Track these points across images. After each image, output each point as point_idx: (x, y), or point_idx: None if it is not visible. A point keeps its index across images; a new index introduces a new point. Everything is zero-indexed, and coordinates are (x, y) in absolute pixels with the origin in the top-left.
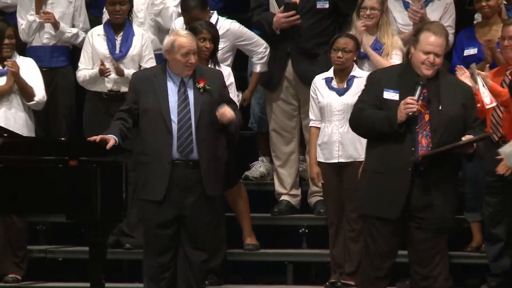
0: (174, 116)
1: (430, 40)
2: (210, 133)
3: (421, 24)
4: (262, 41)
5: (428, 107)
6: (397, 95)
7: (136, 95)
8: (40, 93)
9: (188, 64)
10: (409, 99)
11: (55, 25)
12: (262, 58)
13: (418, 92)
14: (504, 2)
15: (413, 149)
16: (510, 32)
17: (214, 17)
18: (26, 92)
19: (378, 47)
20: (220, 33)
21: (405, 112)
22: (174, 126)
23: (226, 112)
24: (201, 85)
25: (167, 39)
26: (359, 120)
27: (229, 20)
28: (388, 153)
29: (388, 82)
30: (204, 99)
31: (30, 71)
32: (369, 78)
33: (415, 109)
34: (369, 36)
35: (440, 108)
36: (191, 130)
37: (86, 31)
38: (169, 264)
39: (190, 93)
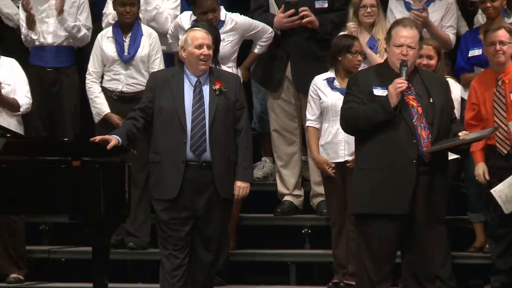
0: (188, 116)
1: (401, 33)
2: (224, 135)
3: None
4: (268, 27)
5: (419, 100)
6: (386, 91)
7: (152, 94)
8: (24, 100)
9: (203, 57)
10: (398, 79)
11: (60, 11)
12: (266, 41)
13: (404, 73)
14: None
15: (414, 141)
16: (500, 37)
17: (223, 12)
18: (10, 107)
19: (373, 44)
20: (229, 27)
21: (396, 92)
22: (188, 126)
23: (241, 192)
24: (217, 86)
25: (181, 37)
26: (350, 116)
27: (234, 14)
28: (389, 149)
29: (369, 81)
30: (219, 101)
31: (14, 74)
32: (355, 79)
33: (405, 86)
34: (365, 34)
35: (431, 100)
36: (205, 130)
37: (88, 29)
38: (183, 262)
39: (206, 94)
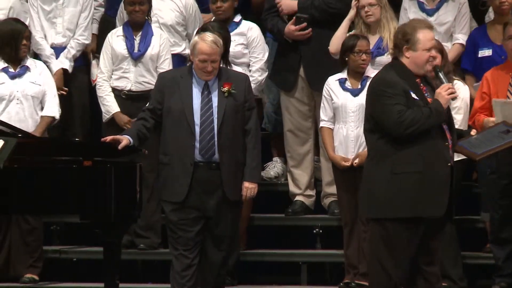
0: (197, 119)
1: (429, 35)
2: (232, 137)
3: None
4: (265, 69)
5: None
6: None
7: (161, 95)
8: (56, 109)
9: (205, 71)
10: (445, 86)
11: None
12: (255, 81)
13: (444, 78)
14: None
15: (447, 143)
16: None
17: (238, 16)
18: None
19: (381, 45)
20: (242, 30)
21: (449, 98)
22: (197, 129)
23: (248, 193)
24: (225, 88)
25: (193, 39)
26: (409, 121)
27: (255, 24)
28: (425, 151)
29: (401, 84)
30: (228, 103)
31: (44, 77)
32: (387, 82)
33: (455, 90)
34: (371, 34)
35: None
36: (213, 134)
37: (85, 29)
38: (193, 262)
39: (214, 97)
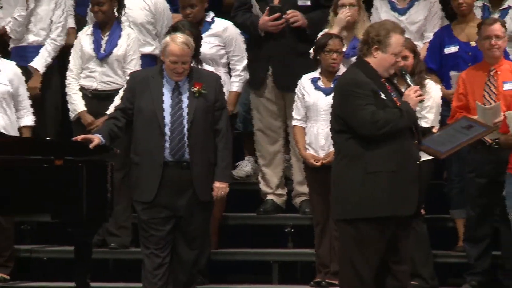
0: (167, 119)
1: (401, 41)
2: (203, 137)
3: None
4: (245, 62)
5: (400, 101)
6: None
7: (132, 95)
8: (31, 114)
9: (175, 71)
10: (413, 88)
11: None
12: (239, 77)
13: (411, 80)
14: (486, 3)
15: (415, 141)
16: (495, 31)
17: (210, 15)
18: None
19: (357, 45)
20: (215, 31)
21: (417, 100)
22: (167, 129)
23: (219, 193)
24: (196, 89)
25: (164, 40)
26: (379, 123)
27: (230, 22)
28: (397, 150)
29: (369, 84)
30: (198, 104)
31: (16, 79)
32: (356, 82)
33: (422, 92)
34: (345, 33)
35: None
36: (184, 134)
37: (62, 29)
38: (164, 261)
39: (185, 97)
